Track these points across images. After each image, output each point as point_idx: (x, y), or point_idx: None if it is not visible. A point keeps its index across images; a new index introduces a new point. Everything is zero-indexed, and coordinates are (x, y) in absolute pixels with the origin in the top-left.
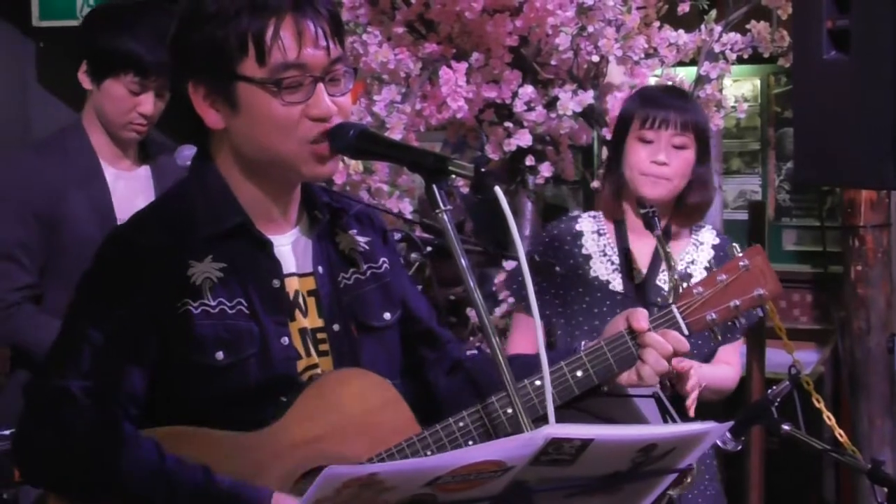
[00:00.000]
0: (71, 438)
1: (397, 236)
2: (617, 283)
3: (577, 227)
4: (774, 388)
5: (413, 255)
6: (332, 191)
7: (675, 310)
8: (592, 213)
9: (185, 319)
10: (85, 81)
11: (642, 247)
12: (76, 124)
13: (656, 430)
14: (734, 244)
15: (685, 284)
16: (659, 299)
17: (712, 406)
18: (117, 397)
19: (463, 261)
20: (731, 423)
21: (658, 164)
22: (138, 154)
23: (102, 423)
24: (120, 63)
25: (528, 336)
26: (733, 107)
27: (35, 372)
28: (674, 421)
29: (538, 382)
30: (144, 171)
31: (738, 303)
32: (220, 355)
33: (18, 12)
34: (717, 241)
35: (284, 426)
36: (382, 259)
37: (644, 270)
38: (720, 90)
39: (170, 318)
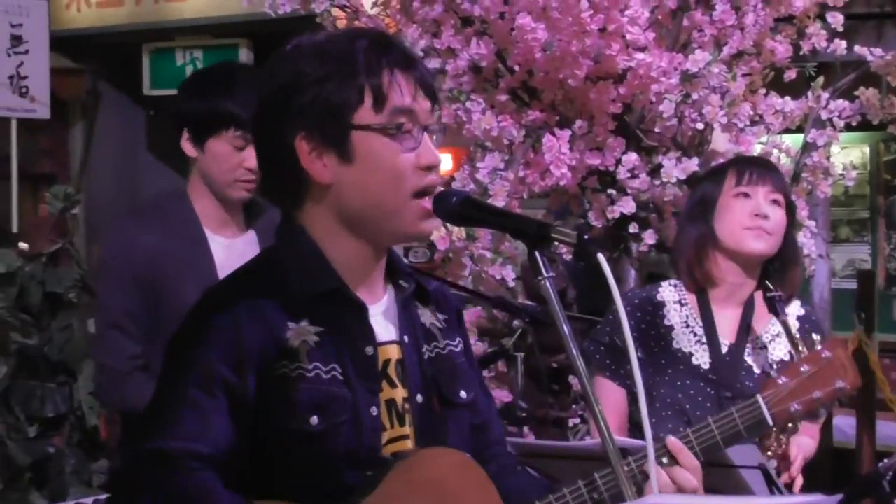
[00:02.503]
0: (170, 500)
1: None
2: (700, 357)
3: (659, 297)
4: (886, 460)
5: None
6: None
7: (760, 400)
8: (673, 281)
9: (283, 382)
10: (189, 149)
11: (725, 319)
12: (179, 193)
13: (763, 501)
14: (814, 335)
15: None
16: (743, 373)
17: (821, 478)
18: (219, 459)
19: (565, 328)
20: (840, 497)
21: (761, 216)
22: (244, 219)
23: (202, 486)
24: (220, 120)
25: (609, 402)
26: (841, 174)
27: (135, 433)
28: (780, 493)
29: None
30: (250, 236)
31: (819, 395)
32: (314, 420)
33: (131, 82)
34: (801, 312)
35: None
36: (458, 339)
37: (728, 343)
38: (828, 157)
39: (267, 380)
